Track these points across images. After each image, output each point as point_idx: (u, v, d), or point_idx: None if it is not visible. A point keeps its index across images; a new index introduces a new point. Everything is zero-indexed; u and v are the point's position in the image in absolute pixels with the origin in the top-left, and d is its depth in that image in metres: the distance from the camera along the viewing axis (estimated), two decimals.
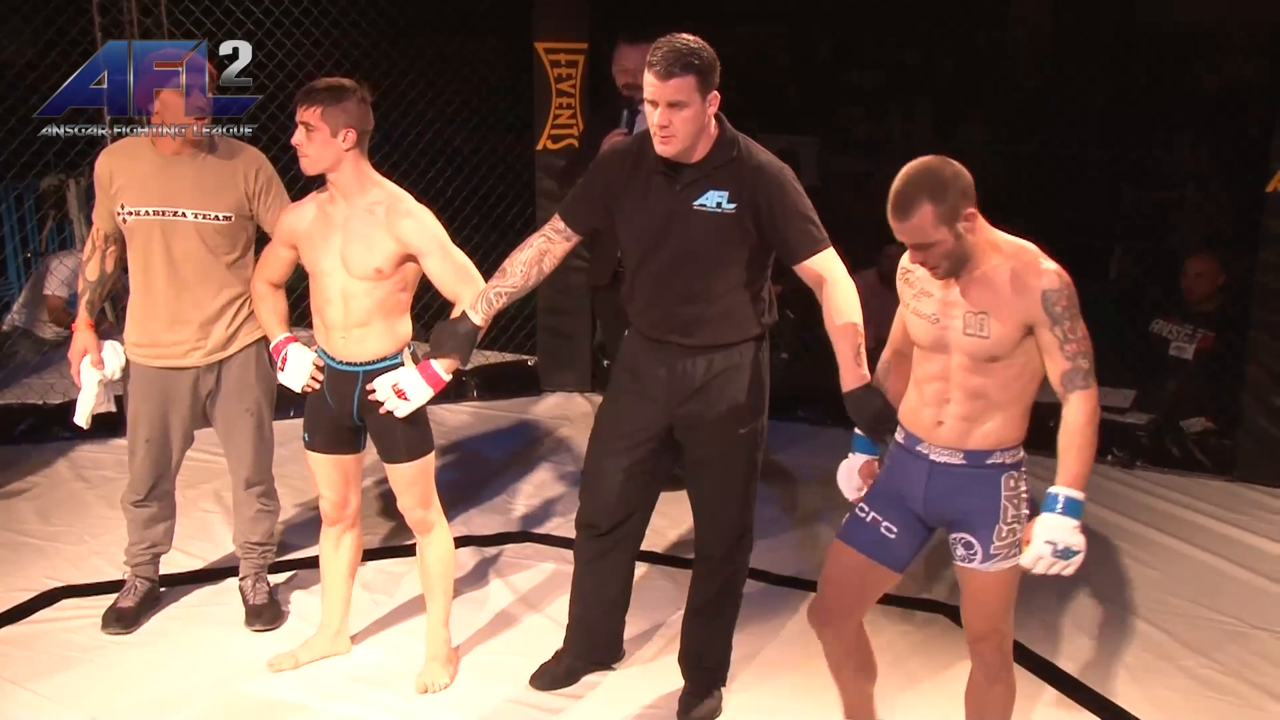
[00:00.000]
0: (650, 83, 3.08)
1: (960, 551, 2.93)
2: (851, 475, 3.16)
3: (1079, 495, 2.77)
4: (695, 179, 3.20)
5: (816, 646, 4.03)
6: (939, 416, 2.90)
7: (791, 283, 3.54)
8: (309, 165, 3.42)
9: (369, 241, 3.42)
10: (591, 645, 3.74)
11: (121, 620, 3.99)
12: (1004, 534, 2.88)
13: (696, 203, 3.19)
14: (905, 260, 2.99)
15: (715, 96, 3.13)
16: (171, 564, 4.29)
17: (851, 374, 3.09)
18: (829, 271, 3.21)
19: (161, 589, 4.17)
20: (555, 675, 3.71)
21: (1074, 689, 3.79)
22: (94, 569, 4.38)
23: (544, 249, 3.37)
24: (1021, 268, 2.78)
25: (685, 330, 3.31)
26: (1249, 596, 4.41)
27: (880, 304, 6.54)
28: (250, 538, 4.08)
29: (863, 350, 3.11)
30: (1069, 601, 4.30)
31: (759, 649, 3.95)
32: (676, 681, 3.67)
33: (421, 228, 3.45)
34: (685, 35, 3.10)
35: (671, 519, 3.75)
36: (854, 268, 7.29)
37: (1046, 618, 4.15)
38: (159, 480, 3.97)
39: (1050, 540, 2.74)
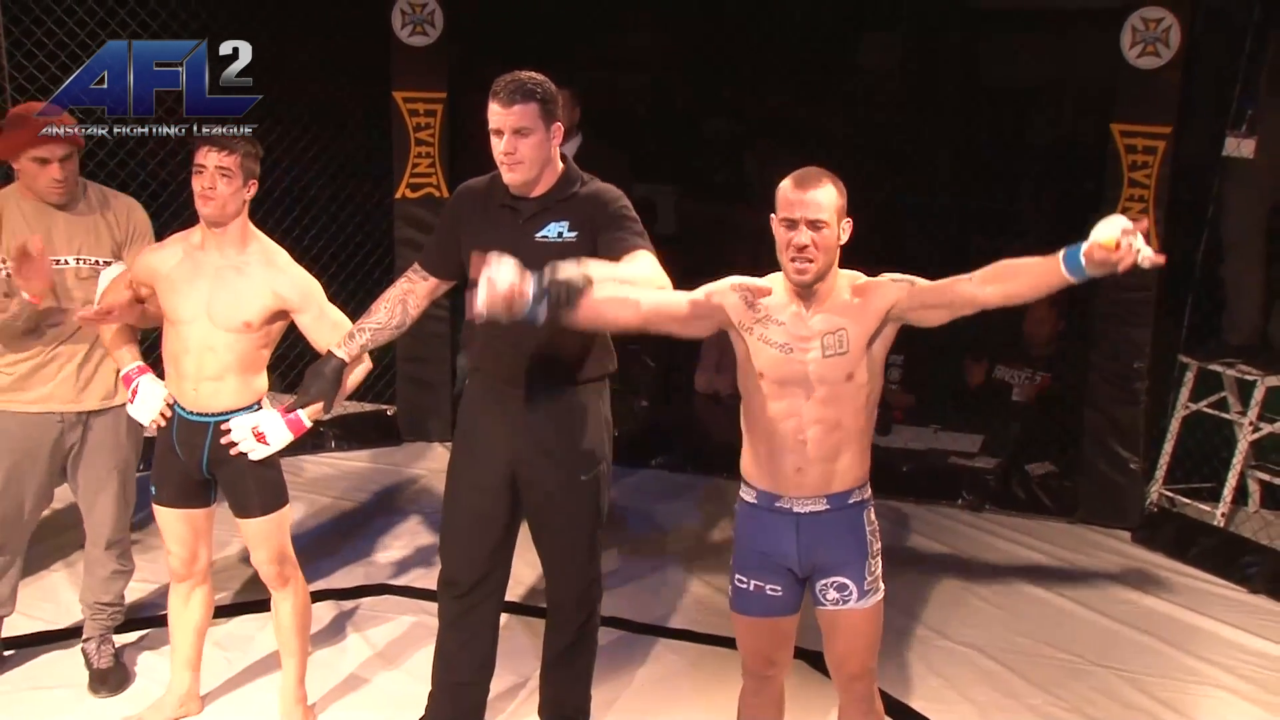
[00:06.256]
0: (495, 111, 3.15)
1: (832, 595, 2.95)
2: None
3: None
4: (537, 212, 3.24)
5: (676, 692, 4.05)
6: (798, 463, 2.90)
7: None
8: (215, 212, 3.35)
9: (239, 295, 3.38)
10: (455, 713, 3.62)
11: None
12: (872, 569, 2.96)
13: (539, 235, 3.22)
14: (742, 278, 2.93)
15: (559, 128, 3.21)
16: (11, 626, 4.14)
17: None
18: (634, 258, 3.11)
19: (7, 652, 4.02)
20: None
21: None
22: None
23: (407, 289, 3.40)
24: (858, 282, 2.90)
25: (524, 372, 3.31)
26: (1090, 634, 4.57)
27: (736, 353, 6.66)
28: (101, 598, 3.96)
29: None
30: (918, 642, 4.42)
31: (618, 695, 3.97)
32: None
33: (299, 284, 3.44)
34: (528, 72, 3.19)
35: (531, 564, 3.74)
36: None
37: (896, 658, 4.25)
38: (7, 539, 3.82)
39: (1127, 228, 2.52)
